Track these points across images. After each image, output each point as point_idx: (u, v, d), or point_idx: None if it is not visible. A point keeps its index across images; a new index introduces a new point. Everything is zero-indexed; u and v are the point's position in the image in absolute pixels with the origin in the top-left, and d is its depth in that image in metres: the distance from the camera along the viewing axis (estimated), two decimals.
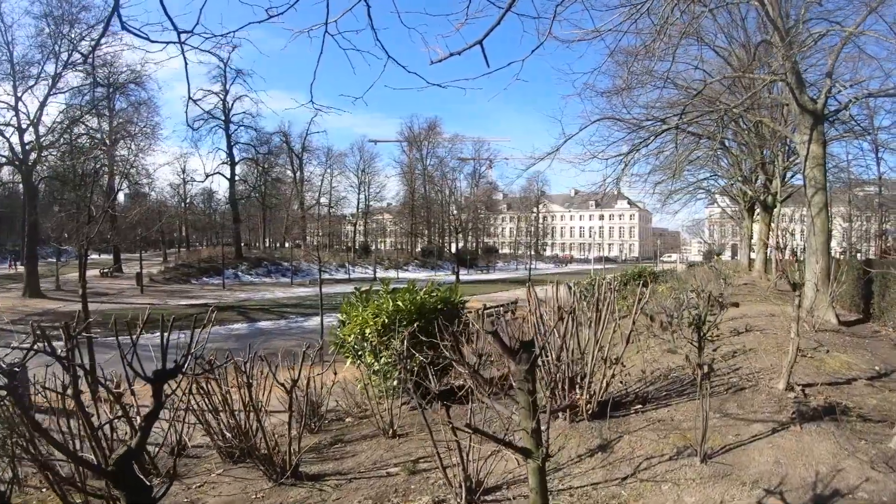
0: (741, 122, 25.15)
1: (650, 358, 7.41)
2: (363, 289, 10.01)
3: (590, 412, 5.52)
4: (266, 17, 3.46)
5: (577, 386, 5.68)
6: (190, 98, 4.09)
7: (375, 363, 8.94)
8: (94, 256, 76.97)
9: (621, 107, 19.80)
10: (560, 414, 5.64)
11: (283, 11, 3.41)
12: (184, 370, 4.90)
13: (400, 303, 8.84)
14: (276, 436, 7.26)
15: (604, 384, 5.56)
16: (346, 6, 3.89)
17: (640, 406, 5.83)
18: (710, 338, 4.40)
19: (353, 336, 9.16)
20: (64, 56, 45.62)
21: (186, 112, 50.74)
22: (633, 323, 5.46)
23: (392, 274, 74.53)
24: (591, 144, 21.60)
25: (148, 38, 3.74)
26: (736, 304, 4.71)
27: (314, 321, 28.44)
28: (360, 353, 9.21)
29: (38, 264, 45.63)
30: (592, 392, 5.55)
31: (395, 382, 8.76)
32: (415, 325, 8.61)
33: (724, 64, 23.13)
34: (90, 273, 56.62)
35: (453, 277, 68.05)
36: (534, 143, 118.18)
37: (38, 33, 44.69)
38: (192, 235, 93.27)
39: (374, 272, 72.40)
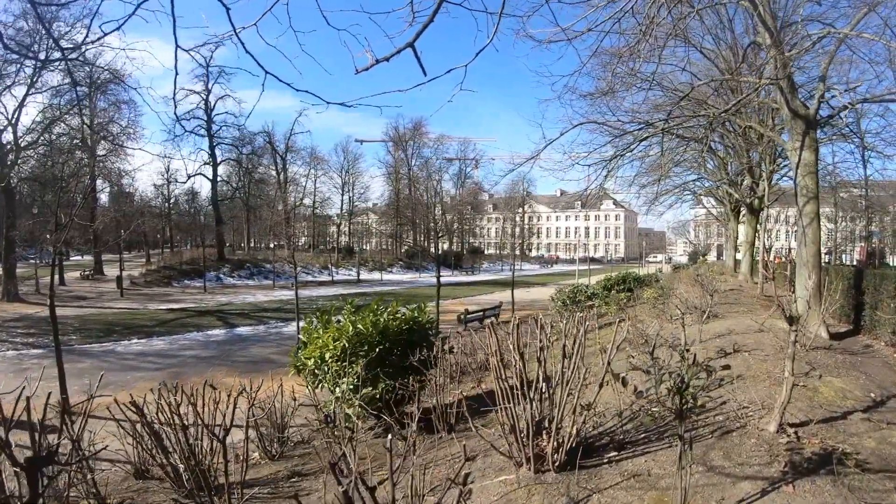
0: (728, 125, 24.70)
1: (630, 396, 6.79)
2: (323, 309, 9.32)
3: (556, 463, 4.88)
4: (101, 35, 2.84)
5: (545, 430, 5.05)
6: (85, 125, 3.44)
7: (336, 390, 8.30)
8: (77, 258, 76.07)
9: (605, 109, 19.30)
10: (525, 463, 5.01)
11: (118, 27, 2.78)
12: (57, 457, 4.29)
13: (360, 326, 8.18)
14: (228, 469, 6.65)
15: (573, 431, 4.92)
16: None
17: (614, 454, 5.20)
18: (694, 409, 3.77)
19: (312, 360, 8.52)
20: (42, 55, 44.98)
21: (84, 136, 50.27)
22: (608, 364, 4.81)
23: (376, 276, 73.93)
24: (577, 147, 21.15)
25: (28, 56, 3.11)
26: (727, 367, 4.08)
27: (294, 326, 27.77)
28: (320, 378, 8.57)
29: (16, 268, 44.70)
30: (561, 439, 4.91)
31: (356, 410, 8.19)
32: (376, 349, 8.01)
33: (710, 66, 22.69)
34: (71, 275, 56.05)
35: (442, 279, 67.16)
36: (521, 142, 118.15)
37: (16, 32, 43.83)
38: (176, 236, 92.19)
39: (358, 274, 71.68)
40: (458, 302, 45.22)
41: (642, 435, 5.58)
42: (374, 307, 8.88)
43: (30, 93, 46.32)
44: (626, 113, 19.99)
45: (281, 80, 3.14)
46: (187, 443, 6.08)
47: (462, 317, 31.45)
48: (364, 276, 73.14)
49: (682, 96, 15.67)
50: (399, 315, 8.74)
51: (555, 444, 4.88)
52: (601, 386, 4.83)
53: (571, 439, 4.92)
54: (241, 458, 6.31)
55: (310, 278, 67.90)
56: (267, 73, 3.07)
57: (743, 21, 21.93)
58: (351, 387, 8.07)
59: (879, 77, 14.38)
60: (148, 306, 42.01)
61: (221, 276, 62.07)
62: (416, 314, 9.08)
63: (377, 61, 2.85)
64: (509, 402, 4.88)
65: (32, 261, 52.62)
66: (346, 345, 8.07)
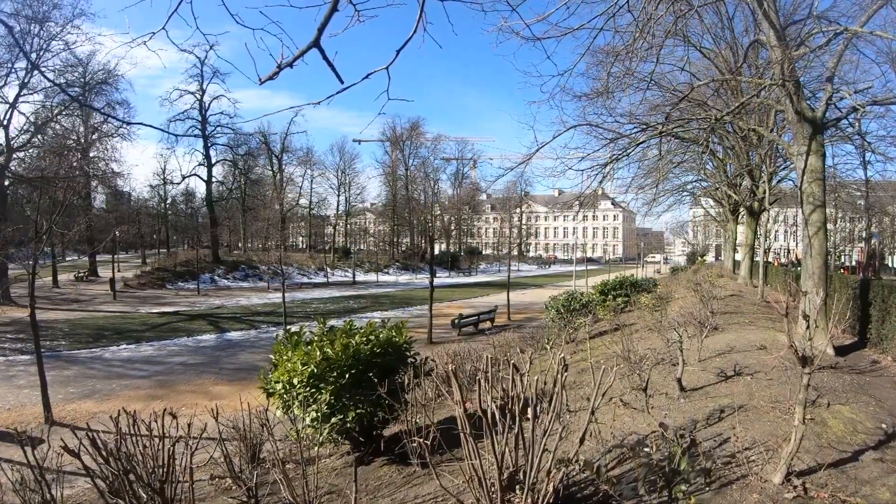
0: (728, 126, 24.12)
1: (619, 426, 6.18)
2: (293, 330, 8.71)
3: None
4: None
5: (518, 485, 4.43)
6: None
7: (305, 417, 7.72)
8: (74, 258, 75.51)
9: (602, 110, 18.65)
10: None
11: None
12: None
13: (329, 351, 7.57)
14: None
15: (549, 488, 4.30)
16: None
17: None
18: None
19: (281, 384, 7.92)
20: (33, 56, 44.52)
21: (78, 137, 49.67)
22: (592, 413, 4.20)
23: (372, 277, 73.37)
24: (572, 150, 20.45)
25: None
26: (730, 461, 3.47)
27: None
28: (289, 403, 7.97)
29: (7, 270, 44.09)
30: (537, 496, 4.29)
31: (325, 435, 7.66)
32: (346, 376, 7.42)
33: (710, 65, 22.17)
34: (65, 277, 55.35)
35: (438, 281, 66.73)
36: (520, 141, 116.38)
37: (7, 33, 43.33)
38: (172, 236, 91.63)
39: (354, 275, 71.11)
40: (454, 305, 44.81)
41: (631, 484, 4.95)
42: (348, 328, 8.28)
43: (22, 93, 45.85)
44: (624, 115, 19.36)
45: (109, 115, 2.56)
46: (132, 490, 5.48)
47: (456, 321, 30.95)
48: (360, 277, 72.63)
49: (681, 97, 15.08)
50: (373, 338, 8.11)
51: (529, 501, 4.26)
52: (582, 441, 4.21)
53: (548, 496, 4.30)
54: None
55: (305, 280, 67.37)
56: (83, 104, 2.48)
57: (743, 20, 21.48)
58: (320, 414, 7.51)
59: (885, 77, 13.87)
60: (139, 310, 41.51)
61: (216, 277, 61.57)
62: (393, 334, 8.46)
63: (279, 68, 2.27)
64: (476, 458, 4.25)
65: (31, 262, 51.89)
66: (315, 370, 7.48)
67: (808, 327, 4.71)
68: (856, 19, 13.06)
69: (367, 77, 2.60)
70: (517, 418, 4.28)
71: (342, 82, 2.40)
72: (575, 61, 11.57)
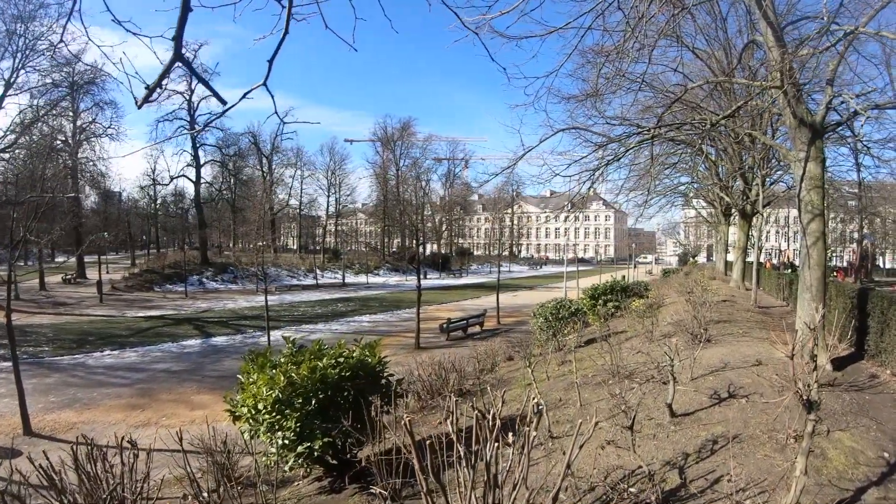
0: (721, 129, 23.76)
1: (606, 462, 5.70)
2: (257, 353, 8.20)
3: None
4: None
5: None
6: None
7: (271, 445, 7.24)
8: (61, 259, 74.78)
9: (591, 111, 18.22)
10: None
11: None
12: None
13: (294, 375, 7.06)
14: None
15: None
16: None
17: None
18: None
19: (247, 408, 7.42)
20: (20, 55, 44.07)
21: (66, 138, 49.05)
22: (568, 467, 3.71)
23: (362, 279, 72.81)
24: (561, 153, 20.01)
25: None
26: None
27: (273, 335, 26.57)
28: (255, 428, 7.48)
29: None
30: None
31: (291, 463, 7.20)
32: (313, 402, 6.93)
33: (703, 67, 21.83)
34: (53, 279, 54.61)
35: (428, 282, 66.57)
36: (505, 144, 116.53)
37: None
38: (162, 237, 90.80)
39: (343, 277, 70.52)
40: (443, 307, 44.39)
41: None
42: (316, 348, 7.77)
43: (7, 94, 45.17)
44: (614, 118, 18.92)
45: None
46: None
47: (444, 326, 30.50)
48: (350, 279, 72.05)
49: (673, 100, 14.60)
50: (342, 360, 7.57)
51: None
52: (555, 499, 3.71)
53: None
54: None
55: (294, 282, 66.80)
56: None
57: (736, 21, 21.19)
58: (286, 441, 7.03)
59: (882, 79, 13.52)
60: (126, 314, 40.87)
61: (204, 280, 60.91)
62: (365, 354, 7.95)
63: (150, 90, 1.82)
64: None
65: (20, 264, 51.27)
66: (280, 395, 6.98)
67: (814, 369, 4.25)
68: (851, 19, 12.67)
69: (245, 96, 2.15)
70: (487, 469, 3.80)
71: (224, 103, 1.96)
72: (561, 61, 11.06)
